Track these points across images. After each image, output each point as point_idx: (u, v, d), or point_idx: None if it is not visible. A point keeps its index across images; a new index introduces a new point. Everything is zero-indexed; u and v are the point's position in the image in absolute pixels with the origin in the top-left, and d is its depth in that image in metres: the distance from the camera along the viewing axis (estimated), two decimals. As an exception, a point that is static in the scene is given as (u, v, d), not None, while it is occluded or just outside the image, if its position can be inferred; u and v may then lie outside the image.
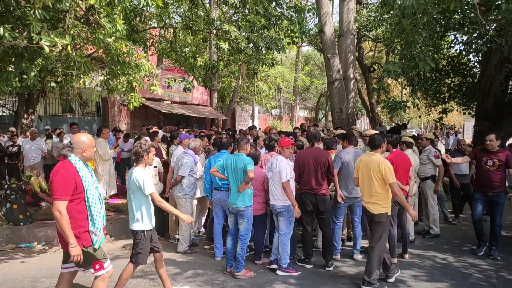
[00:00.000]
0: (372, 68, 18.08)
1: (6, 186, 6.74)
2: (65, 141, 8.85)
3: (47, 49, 4.74)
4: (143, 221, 3.98)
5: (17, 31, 5.41)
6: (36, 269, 5.15)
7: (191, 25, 8.73)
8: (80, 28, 7.66)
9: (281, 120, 29.79)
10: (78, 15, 6.77)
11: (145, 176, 3.94)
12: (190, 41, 11.20)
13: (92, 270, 3.53)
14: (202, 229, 6.59)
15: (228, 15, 12.02)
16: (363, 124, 32.94)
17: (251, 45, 8.59)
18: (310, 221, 5.29)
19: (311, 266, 5.22)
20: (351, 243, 6.03)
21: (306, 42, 19.42)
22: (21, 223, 6.32)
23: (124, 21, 5.56)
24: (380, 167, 4.36)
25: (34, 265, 5.31)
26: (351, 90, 10.33)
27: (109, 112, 15.40)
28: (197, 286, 4.62)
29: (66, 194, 3.28)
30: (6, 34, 4.65)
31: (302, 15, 8.87)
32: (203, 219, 6.51)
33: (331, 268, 5.14)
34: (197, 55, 9.03)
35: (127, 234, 6.71)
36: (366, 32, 16.24)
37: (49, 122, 13.98)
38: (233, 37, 7.94)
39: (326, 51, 9.94)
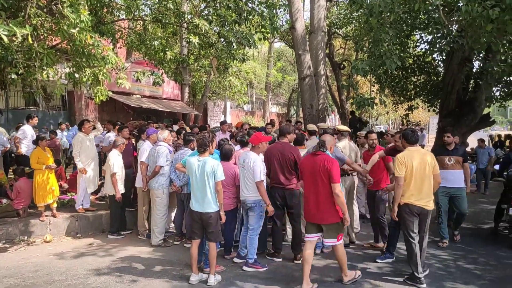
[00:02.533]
0: (342, 65, 18.40)
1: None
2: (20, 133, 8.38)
3: (6, 39, 4.52)
4: (215, 203, 4.47)
5: (-27, 19, 5.14)
6: (-5, 268, 4.95)
7: (160, 17, 8.56)
8: (43, 18, 7.36)
9: (253, 115, 29.85)
10: (41, 4, 6.50)
11: (220, 164, 4.52)
12: (160, 34, 10.97)
13: (335, 240, 4.38)
14: (172, 225, 6.53)
15: (199, 9, 11.88)
16: (333, 121, 33.51)
17: (222, 39, 8.53)
18: (279, 215, 5.32)
19: (280, 259, 5.28)
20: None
21: (278, 38, 19.51)
22: (-22, 222, 6.03)
23: (89, 12, 5.39)
24: (431, 160, 4.60)
25: (-6, 264, 5.10)
26: (321, 86, 10.47)
27: (75, 105, 14.93)
28: (165, 281, 4.58)
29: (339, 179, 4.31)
30: (-39, 22, 4.40)
31: (274, 11, 8.88)
32: (173, 214, 6.44)
33: (299, 262, 5.22)
34: (167, 49, 8.88)
35: (93, 231, 6.59)
36: (336, 30, 16.49)
37: (11, 115, 13.39)
38: (203, 31, 7.86)
39: (297, 48, 10.02)
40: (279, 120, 19.93)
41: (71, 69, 6.50)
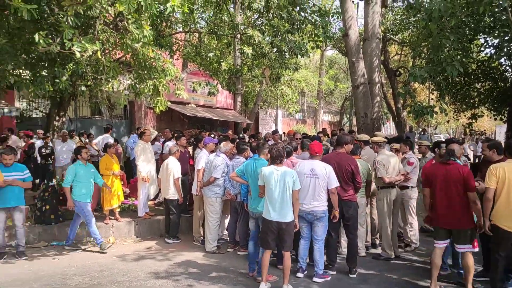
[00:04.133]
0: (398, 72, 17.76)
1: (41, 187, 6.98)
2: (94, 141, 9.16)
3: (78, 55, 4.93)
4: (291, 212, 4.55)
5: (50, 37, 5.64)
6: (66, 266, 5.34)
7: (215, 29, 8.85)
8: (108, 34, 7.93)
9: (304, 124, 29.66)
10: (107, 21, 7.00)
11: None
12: (214, 46, 11.35)
13: (470, 246, 4.40)
14: (225, 232, 6.65)
15: (252, 20, 12.13)
16: (388, 130, 32.35)
17: (274, 49, 8.63)
18: (335, 227, 5.24)
19: (334, 272, 5.17)
20: (376, 250, 6.00)
21: (331, 46, 19.30)
22: (53, 223, 6.55)
23: (151, 27, 5.71)
24: None
25: (65, 263, 5.51)
26: (376, 94, 10.20)
27: (135, 115, 15.78)
28: (220, 288, 4.67)
29: None
30: (41, 41, 4.87)
31: (326, 19, 8.84)
32: (226, 221, 6.57)
33: (354, 276, 5.08)
34: (222, 60, 9.14)
35: (152, 235, 6.88)
36: (392, 36, 15.99)
37: (79, 124, 14.46)
38: (257, 41, 8.00)
39: (351, 55, 9.87)
40: (331, 129, 19.64)
41: (134, 81, 6.93)
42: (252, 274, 4.98)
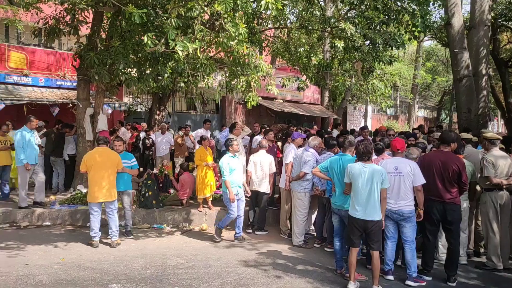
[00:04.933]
0: (510, 63, 15.76)
1: (145, 175, 7.72)
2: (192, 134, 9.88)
3: (180, 53, 5.32)
4: (379, 211, 4.40)
5: (156, 38, 6.17)
6: (166, 248, 5.84)
7: (306, 24, 8.81)
8: (204, 33, 8.41)
9: (396, 120, 28.03)
10: (203, 21, 7.43)
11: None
12: (304, 41, 11.30)
13: None
14: (312, 227, 6.64)
15: (343, 12, 11.79)
16: (495, 127, 28.99)
17: (367, 42, 8.30)
18: (433, 231, 4.91)
19: (430, 278, 4.84)
20: (480, 259, 5.47)
21: (429, 36, 17.89)
22: (154, 207, 7.21)
23: (245, 25, 5.89)
24: None
25: (165, 244, 6.03)
26: (482, 88, 9.23)
27: (226, 109, 16.50)
28: (308, 282, 4.69)
29: None
30: (149, 42, 5.36)
31: (425, 8, 8.21)
32: (313, 217, 6.55)
33: (454, 284, 4.69)
34: (312, 55, 9.07)
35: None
36: (504, 22, 14.22)
37: (176, 118, 15.61)
38: (349, 34, 7.77)
39: (453, 45, 9.06)
40: (427, 126, 18.21)
41: (226, 77, 7.26)
42: (340, 271, 4.91)
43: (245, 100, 6.79)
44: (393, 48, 8.29)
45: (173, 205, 7.58)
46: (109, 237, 5.88)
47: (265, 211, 6.80)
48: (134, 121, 12.50)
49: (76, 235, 6.27)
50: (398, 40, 7.98)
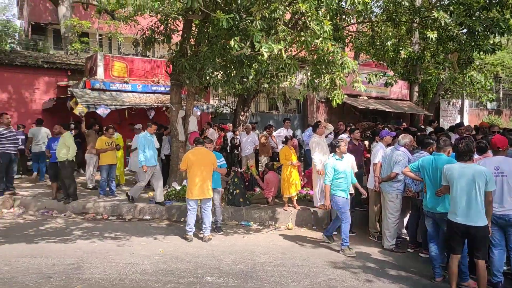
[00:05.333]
0: None
1: (232, 174, 8.04)
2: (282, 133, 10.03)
3: (266, 55, 5.41)
4: (483, 215, 4.04)
5: (239, 41, 6.35)
6: (254, 245, 6.01)
7: (394, 16, 8.35)
8: (286, 33, 8.45)
9: (499, 115, 25.13)
10: (285, 21, 7.46)
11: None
12: (390, 34, 10.71)
13: None
14: (404, 230, 6.28)
15: (433, 1, 10.92)
16: None
17: (464, 30, 7.58)
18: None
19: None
20: None
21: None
22: (242, 205, 7.46)
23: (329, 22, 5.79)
24: None
25: (252, 241, 6.21)
26: None
27: (308, 109, 16.39)
28: (401, 289, 4.46)
29: None
30: (236, 45, 5.55)
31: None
32: (405, 220, 6.19)
33: None
34: (401, 48, 8.57)
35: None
36: None
37: (259, 118, 15.95)
38: (442, 24, 7.18)
39: None
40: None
41: (308, 76, 7.19)
42: (439, 279, 4.57)
43: (330, 99, 6.66)
44: (496, 35, 7.47)
45: (259, 203, 7.76)
46: (201, 232, 6.23)
47: (351, 213, 6.61)
48: (220, 122, 13.07)
49: (173, 229, 6.75)
50: (503, 26, 7.16)
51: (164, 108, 11.14)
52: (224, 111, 15.87)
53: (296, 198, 7.43)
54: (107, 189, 8.26)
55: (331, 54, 6.03)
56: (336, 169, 5.67)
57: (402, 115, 17.65)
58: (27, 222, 6.94)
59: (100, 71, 11.31)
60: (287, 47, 8.35)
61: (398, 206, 5.75)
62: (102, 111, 9.93)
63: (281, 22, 6.98)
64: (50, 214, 7.42)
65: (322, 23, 5.57)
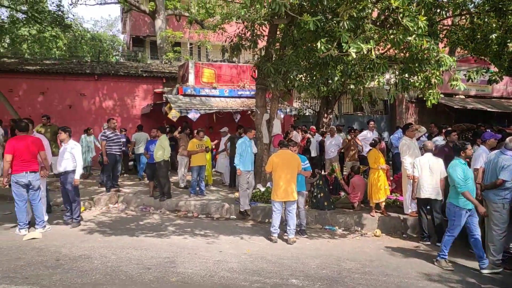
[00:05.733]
0: None
1: (317, 176, 7.94)
2: (361, 138, 9.69)
3: (354, 55, 5.26)
4: None
5: (327, 43, 6.26)
6: (340, 250, 5.87)
7: (500, 5, 7.50)
8: (373, 31, 8.10)
9: None
10: (372, 19, 7.15)
11: None
12: (494, 25, 9.63)
13: None
14: (512, 245, 5.60)
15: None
16: None
17: None
18: None
19: None
20: None
21: None
22: (326, 209, 7.34)
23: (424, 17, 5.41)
24: None
25: (337, 247, 6.07)
26: None
27: (396, 109, 15.54)
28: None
29: None
30: (322, 47, 5.49)
31: None
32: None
33: None
34: (508, 40, 7.67)
35: (418, 234, 6.57)
36: None
37: (343, 120, 15.56)
38: None
39: None
40: None
41: (400, 75, 6.79)
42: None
43: (423, 98, 6.23)
44: None
45: (344, 208, 7.56)
46: (286, 234, 6.27)
47: (442, 221, 6.08)
48: (303, 125, 13.03)
49: (257, 230, 6.90)
50: None
51: (249, 112, 11.47)
52: (307, 114, 15.80)
53: (384, 203, 7.08)
54: (197, 188, 8.75)
55: (425, 52, 5.63)
56: (465, 174, 5.11)
57: (508, 115, 15.79)
58: (128, 216, 7.67)
59: (191, 78, 12.07)
60: (373, 46, 8.02)
61: (505, 217, 5.14)
62: (193, 115, 10.57)
63: (368, 21, 6.75)
64: (148, 210, 8.10)
65: (416, 19, 5.23)
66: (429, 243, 6.25)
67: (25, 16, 16.56)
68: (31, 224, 6.15)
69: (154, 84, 14.31)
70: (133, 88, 14.17)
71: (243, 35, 8.70)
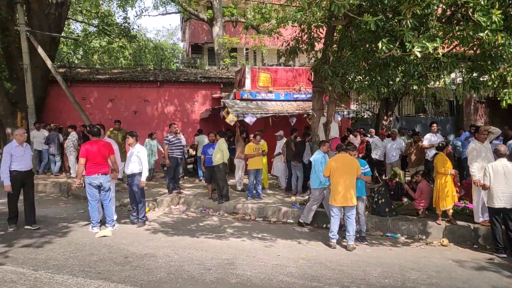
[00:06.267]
0: None
1: (381, 181, 7.68)
2: (425, 142, 9.20)
3: (418, 55, 5.00)
4: None
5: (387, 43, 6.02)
6: (403, 259, 5.59)
7: None
8: (437, 28, 7.65)
9: None
10: (437, 15, 6.76)
11: None
12: None
13: None
14: None
15: None
16: None
17: None
18: None
19: None
20: None
21: None
22: (387, 215, 7.05)
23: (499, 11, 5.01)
24: None
25: (400, 255, 5.79)
26: None
27: (463, 110, 14.55)
28: None
29: None
30: (384, 48, 5.29)
31: None
32: None
33: None
34: None
35: (492, 245, 6.08)
36: None
37: (404, 122, 14.87)
38: None
39: None
40: None
41: (467, 74, 6.34)
42: None
43: (497, 98, 5.76)
44: None
45: (407, 215, 7.20)
46: (344, 240, 6.11)
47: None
48: (361, 127, 12.65)
49: (315, 234, 6.81)
50: None
51: (305, 115, 11.38)
52: (365, 116, 15.33)
53: (452, 211, 6.64)
54: (254, 192, 8.84)
55: (500, 48, 5.20)
56: None
57: None
58: (189, 217, 7.94)
59: (247, 82, 12.25)
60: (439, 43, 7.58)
61: None
62: (249, 119, 10.71)
63: (433, 18, 6.41)
64: (207, 212, 8.33)
65: (490, 13, 4.85)
66: (505, 255, 5.75)
67: (97, 29, 17.91)
68: (102, 222, 6.60)
69: (212, 90, 14.73)
70: (192, 93, 14.70)
71: (299, 38, 8.66)
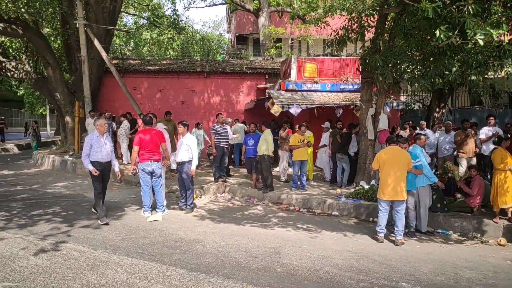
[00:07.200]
0: None
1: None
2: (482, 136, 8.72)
3: (481, 42, 4.72)
4: None
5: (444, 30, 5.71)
6: (455, 257, 5.36)
7: None
8: (500, 14, 7.14)
9: None
10: (501, 0, 6.30)
11: None
12: None
13: None
14: None
15: None
16: None
17: None
18: None
19: None
20: None
21: None
22: (438, 211, 6.76)
23: None
24: None
25: (453, 253, 5.56)
26: None
27: (526, 103, 13.56)
28: None
29: None
30: (442, 36, 5.04)
31: None
32: None
33: None
34: None
35: None
36: None
37: (457, 115, 14.12)
38: None
39: None
40: None
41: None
42: None
43: None
44: None
45: (461, 212, 6.88)
46: (392, 234, 5.96)
47: None
48: (410, 120, 12.16)
49: (361, 228, 6.69)
50: None
51: (352, 106, 11.12)
52: (415, 108, 14.72)
53: (511, 210, 6.25)
54: (298, 183, 8.82)
55: None
56: None
57: None
58: (234, 206, 8.09)
59: (293, 73, 12.16)
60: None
61: None
62: (294, 110, 10.65)
63: (496, 3, 6.00)
64: (252, 201, 8.44)
65: None
66: None
67: (147, 21, 18.51)
68: (152, 207, 6.89)
69: (257, 80, 14.79)
70: (237, 84, 14.84)
71: (349, 27, 8.44)
